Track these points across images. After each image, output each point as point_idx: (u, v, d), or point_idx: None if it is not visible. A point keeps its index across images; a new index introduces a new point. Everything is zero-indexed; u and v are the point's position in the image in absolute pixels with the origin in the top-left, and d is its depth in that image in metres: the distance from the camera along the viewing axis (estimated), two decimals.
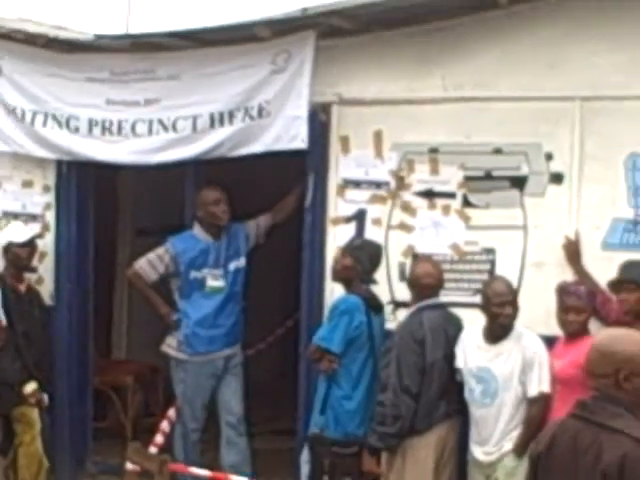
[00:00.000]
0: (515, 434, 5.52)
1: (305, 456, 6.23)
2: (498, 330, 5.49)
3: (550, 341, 5.64)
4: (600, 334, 4.43)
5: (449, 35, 6.32)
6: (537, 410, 5.36)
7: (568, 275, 5.92)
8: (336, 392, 5.98)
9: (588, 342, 5.12)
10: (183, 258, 6.74)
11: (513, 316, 5.54)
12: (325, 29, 6.38)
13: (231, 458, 6.79)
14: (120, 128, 6.85)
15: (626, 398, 3.18)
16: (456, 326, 5.78)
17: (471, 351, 5.70)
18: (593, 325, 5.79)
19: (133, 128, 6.80)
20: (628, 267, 5.70)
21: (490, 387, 5.56)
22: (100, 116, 7.00)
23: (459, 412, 5.74)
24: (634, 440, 3.03)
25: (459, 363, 5.70)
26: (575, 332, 5.43)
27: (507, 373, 5.50)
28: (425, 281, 5.79)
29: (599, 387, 3.31)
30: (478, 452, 5.60)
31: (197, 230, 6.82)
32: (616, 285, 5.71)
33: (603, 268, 5.84)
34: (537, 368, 5.42)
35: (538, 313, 5.74)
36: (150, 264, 6.82)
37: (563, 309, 5.49)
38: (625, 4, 6.11)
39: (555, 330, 5.72)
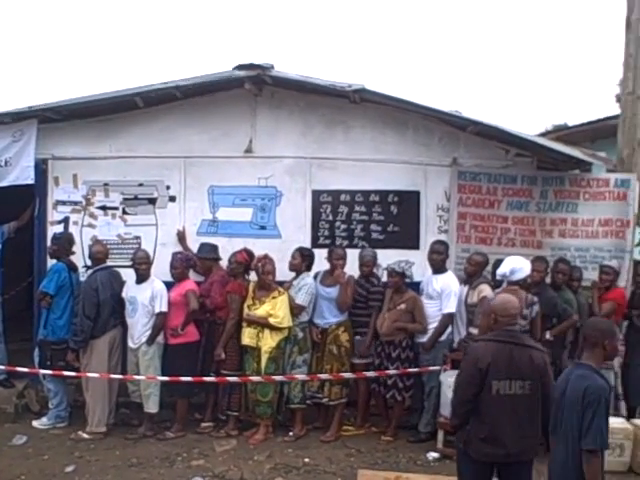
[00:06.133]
0: (148, 333, 6.76)
1: (36, 352, 7.15)
2: (139, 277, 6.85)
3: (169, 284, 6.93)
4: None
5: (114, 123, 7.69)
6: (161, 320, 6.81)
7: (179, 248, 7.40)
8: (52, 315, 7.01)
9: (187, 283, 6.72)
10: None
11: (148, 268, 6.84)
12: (43, 118, 7.54)
13: None
14: None
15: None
16: (118, 278, 7.04)
17: (130, 288, 6.95)
18: (192, 275, 7.12)
19: None
20: (201, 246, 7.24)
21: (135, 307, 6.85)
22: None
23: (122, 324, 6.95)
24: (541, 350, 4.22)
25: (123, 294, 6.90)
26: (178, 278, 6.92)
27: (143, 299, 6.82)
28: (98, 255, 7.04)
29: (518, 324, 4.41)
30: (130, 343, 6.94)
31: None
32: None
33: (196, 247, 7.31)
34: (159, 297, 6.77)
35: (162, 269, 7.07)
36: None
37: (172, 266, 6.94)
38: (209, 109, 7.57)
39: (165, 278, 6.93)
